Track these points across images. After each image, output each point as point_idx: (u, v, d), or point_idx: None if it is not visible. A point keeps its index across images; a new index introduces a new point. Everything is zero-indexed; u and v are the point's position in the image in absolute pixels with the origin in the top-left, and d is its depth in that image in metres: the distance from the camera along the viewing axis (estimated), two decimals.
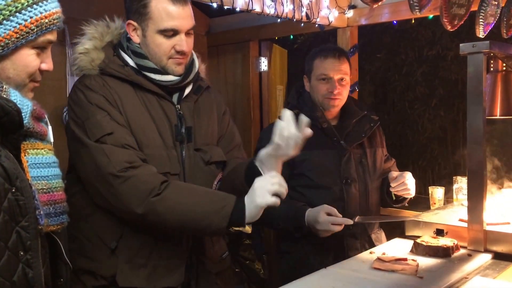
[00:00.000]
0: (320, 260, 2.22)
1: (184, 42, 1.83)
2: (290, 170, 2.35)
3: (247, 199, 1.68)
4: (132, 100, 1.83)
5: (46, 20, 1.33)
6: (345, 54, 2.52)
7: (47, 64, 1.40)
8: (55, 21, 1.36)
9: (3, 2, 1.26)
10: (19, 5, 1.28)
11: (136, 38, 1.86)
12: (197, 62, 1.98)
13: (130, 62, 1.87)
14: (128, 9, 1.86)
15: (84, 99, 1.78)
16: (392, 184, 2.42)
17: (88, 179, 1.76)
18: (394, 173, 2.47)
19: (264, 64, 4.33)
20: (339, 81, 2.45)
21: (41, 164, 1.36)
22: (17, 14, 1.28)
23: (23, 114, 1.30)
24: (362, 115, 2.55)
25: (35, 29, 1.31)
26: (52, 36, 1.38)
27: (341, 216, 2.23)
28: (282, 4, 2.96)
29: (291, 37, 4.24)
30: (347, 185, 2.43)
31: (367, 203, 2.49)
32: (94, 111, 1.75)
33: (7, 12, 1.27)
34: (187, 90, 1.94)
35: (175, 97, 1.92)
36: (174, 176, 1.82)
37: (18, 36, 1.29)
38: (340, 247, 2.40)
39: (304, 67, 2.60)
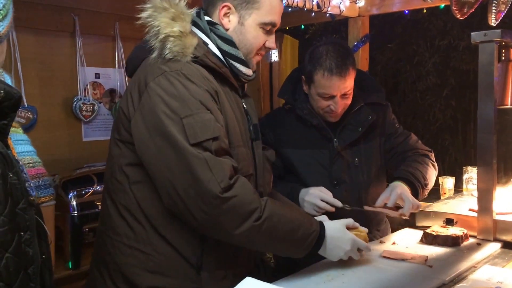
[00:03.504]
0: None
1: (274, 39, 1.76)
2: (282, 163, 2.30)
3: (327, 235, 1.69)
4: (222, 93, 1.65)
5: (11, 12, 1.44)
6: (351, 64, 2.17)
7: None
8: None
9: (3, 2, 1.33)
10: (8, 2, 1.37)
11: (227, 23, 1.69)
12: None
13: (215, 50, 1.68)
14: None
15: (185, 91, 1.52)
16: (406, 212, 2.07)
17: (173, 188, 1.50)
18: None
19: (274, 54, 4.33)
20: (342, 96, 2.20)
21: (20, 141, 1.43)
22: (9, 11, 1.37)
23: None
24: (359, 106, 2.29)
25: (9, 22, 1.40)
26: None
27: (337, 201, 2.11)
28: None
29: (302, 27, 4.23)
30: (336, 187, 2.25)
31: (360, 204, 2.24)
32: (199, 108, 1.51)
33: (5, 11, 1.34)
34: (246, 86, 1.84)
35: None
36: (250, 178, 1.68)
37: (8, 30, 1.38)
38: None
39: None
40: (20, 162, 1.37)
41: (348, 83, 2.17)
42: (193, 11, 1.67)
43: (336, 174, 2.26)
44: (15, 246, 1.31)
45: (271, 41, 1.75)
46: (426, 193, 2.25)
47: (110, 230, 1.68)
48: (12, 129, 1.41)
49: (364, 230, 1.83)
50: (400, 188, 2.09)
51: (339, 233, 1.72)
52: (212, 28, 1.68)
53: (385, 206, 2.05)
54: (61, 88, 3.32)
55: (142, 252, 1.62)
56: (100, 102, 3.55)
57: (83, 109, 3.37)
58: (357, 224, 1.82)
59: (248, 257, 1.79)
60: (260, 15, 1.68)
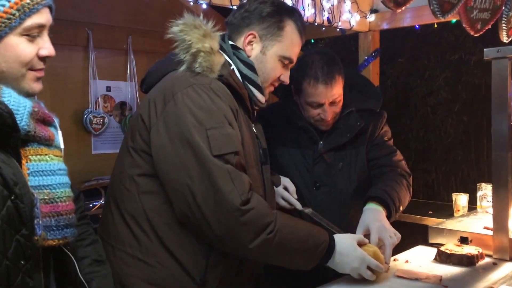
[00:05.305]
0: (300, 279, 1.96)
1: (289, 75, 1.88)
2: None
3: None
4: (240, 113, 1.70)
5: (28, 1, 1.21)
6: (337, 72, 2.18)
7: (47, 49, 1.28)
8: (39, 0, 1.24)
9: None
10: None
11: (249, 50, 1.78)
12: None
13: (236, 72, 1.75)
14: (256, 19, 1.77)
15: (212, 105, 1.57)
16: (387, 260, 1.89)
17: (192, 196, 1.51)
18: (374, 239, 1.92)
19: None
20: (331, 104, 2.20)
21: (43, 171, 1.25)
22: None
23: (18, 116, 1.19)
24: (349, 111, 2.28)
25: (17, 14, 1.19)
26: (41, 18, 1.25)
27: (295, 198, 2.15)
28: (304, 9, 2.95)
29: (312, 41, 4.23)
30: (316, 189, 2.26)
31: (341, 210, 2.24)
32: (223, 122, 1.57)
33: None
34: (256, 113, 1.90)
35: None
36: None
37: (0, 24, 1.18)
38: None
39: None
40: (35, 195, 1.20)
41: (335, 91, 2.19)
42: (219, 34, 1.73)
43: (316, 176, 2.27)
44: (2, 272, 1.15)
45: (286, 75, 1.85)
46: (397, 216, 2.18)
47: (113, 239, 1.67)
48: (35, 157, 1.24)
49: (373, 246, 1.81)
50: (377, 225, 1.94)
51: (348, 249, 1.72)
52: (235, 52, 1.77)
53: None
54: (73, 100, 3.37)
55: (145, 263, 1.61)
56: (111, 115, 3.56)
57: (94, 122, 3.39)
58: (366, 240, 1.82)
59: (250, 275, 1.80)
60: (281, 48, 1.79)
